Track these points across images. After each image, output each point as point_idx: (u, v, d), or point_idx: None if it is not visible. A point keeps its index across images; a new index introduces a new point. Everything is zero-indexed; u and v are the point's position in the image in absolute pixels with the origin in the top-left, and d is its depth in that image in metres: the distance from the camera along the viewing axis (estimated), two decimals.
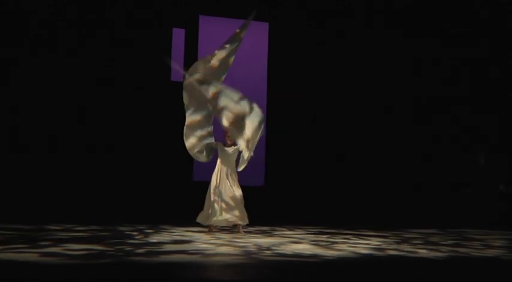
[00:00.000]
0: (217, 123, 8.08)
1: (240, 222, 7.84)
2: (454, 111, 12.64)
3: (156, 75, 11.41)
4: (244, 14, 10.60)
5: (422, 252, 6.08)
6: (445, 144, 12.60)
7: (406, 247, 6.53)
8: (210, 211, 7.79)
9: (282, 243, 6.54)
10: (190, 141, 8.05)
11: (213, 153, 8.18)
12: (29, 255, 4.95)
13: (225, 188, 7.86)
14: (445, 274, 4.81)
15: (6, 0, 10.56)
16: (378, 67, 12.44)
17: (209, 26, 11.81)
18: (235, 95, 7.72)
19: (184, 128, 8.03)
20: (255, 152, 7.81)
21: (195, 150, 8.09)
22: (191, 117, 8.04)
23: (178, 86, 11.51)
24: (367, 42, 12.45)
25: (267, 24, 12.24)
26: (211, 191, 7.87)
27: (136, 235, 7.07)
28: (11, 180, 10.35)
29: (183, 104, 8.08)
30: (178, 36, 11.68)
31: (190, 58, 11.68)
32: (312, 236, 7.73)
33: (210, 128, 8.16)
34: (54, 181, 10.60)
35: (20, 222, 8.26)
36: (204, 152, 8.13)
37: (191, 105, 8.05)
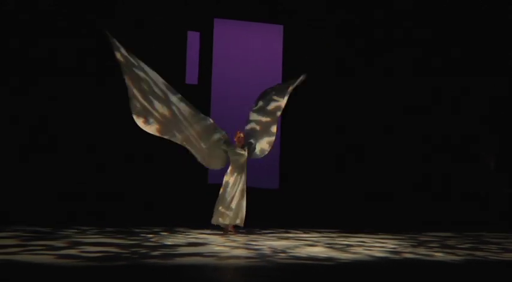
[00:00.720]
0: None
1: (237, 223, 8.05)
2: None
3: (171, 78, 11.44)
4: (258, 16, 10.63)
5: (439, 255, 6.03)
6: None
7: (422, 250, 6.48)
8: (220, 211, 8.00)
9: (296, 246, 6.52)
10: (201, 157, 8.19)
11: (226, 159, 8.27)
12: (45, 257, 4.98)
13: (232, 189, 8.06)
14: (462, 278, 4.76)
15: (6, 0, 10.64)
16: (395, 71, 12.38)
17: (224, 29, 11.84)
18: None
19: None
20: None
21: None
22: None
23: (193, 89, 11.60)
24: (385, 44, 12.39)
25: (282, 26, 12.24)
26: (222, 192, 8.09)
27: (151, 237, 7.08)
28: (29, 183, 10.44)
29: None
30: (193, 39, 11.72)
31: (205, 61, 11.74)
32: (327, 238, 7.69)
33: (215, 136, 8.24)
34: (67, 183, 10.67)
35: (37, 224, 8.32)
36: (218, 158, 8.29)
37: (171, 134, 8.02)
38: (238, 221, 8.02)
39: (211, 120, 8.23)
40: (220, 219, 8.03)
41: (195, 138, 8.03)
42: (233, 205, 8.00)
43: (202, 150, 8.12)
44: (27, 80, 10.63)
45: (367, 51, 12.33)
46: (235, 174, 8.12)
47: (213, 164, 8.36)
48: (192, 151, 8.07)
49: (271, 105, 8.38)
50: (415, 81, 12.47)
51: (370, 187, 11.97)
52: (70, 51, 10.83)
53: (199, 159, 8.18)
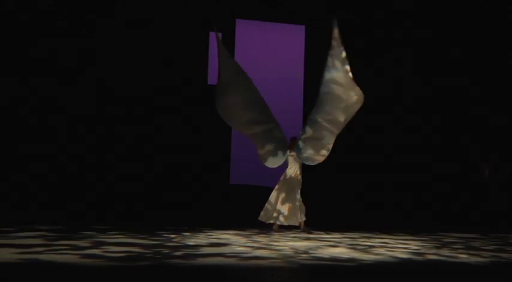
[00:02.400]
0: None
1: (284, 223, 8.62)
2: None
3: (194, 79, 11.52)
4: (280, 17, 10.61)
5: (463, 257, 5.96)
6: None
7: (445, 252, 6.41)
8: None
9: (319, 247, 6.49)
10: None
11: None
12: (69, 256, 5.03)
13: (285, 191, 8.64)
14: (487, 279, 4.70)
15: (6, 1, 10.73)
16: (414, 71, 12.30)
17: (246, 30, 11.86)
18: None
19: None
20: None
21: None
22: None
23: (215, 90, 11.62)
24: (385, 44, 12.31)
25: (304, 27, 12.23)
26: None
27: (174, 238, 7.12)
28: (55, 181, 10.59)
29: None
30: (216, 40, 11.74)
31: None
32: (349, 239, 7.65)
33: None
34: (90, 184, 10.78)
35: (60, 224, 8.43)
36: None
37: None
38: (303, 218, 8.68)
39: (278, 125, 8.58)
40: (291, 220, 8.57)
41: (262, 136, 8.49)
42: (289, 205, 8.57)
43: (264, 148, 8.54)
44: (26, 81, 10.76)
45: (367, 51, 12.25)
46: (288, 175, 8.71)
47: (270, 162, 8.68)
48: (257, 146, 8.54)
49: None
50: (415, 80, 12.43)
51: (391, 187, 11.91)
52: (70, 51, 10.93)
53: (261, 154, 8.59)
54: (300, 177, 8.79)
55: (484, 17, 12.51)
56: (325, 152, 8.45)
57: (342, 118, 8.15)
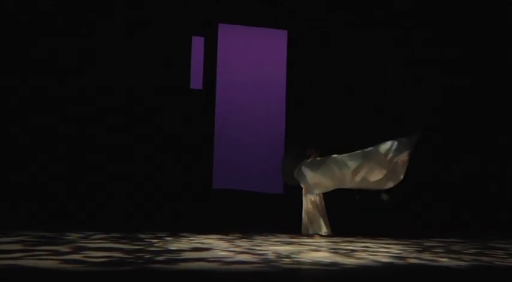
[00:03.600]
0: None
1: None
2: None
3: (176, 83, 11.48)
4: (263, 22, 10.63)
5: (444, 260, 6.00)
6: None
7: (427, 256, 6.44)
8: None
9: (301, 251, 6.50)
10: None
11: None
12: (50, 262, 4.97)
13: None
14: None
15: (6, 1, 10.66)
16: (405, 74, 12.40)
17: (228, 35, 11.86)
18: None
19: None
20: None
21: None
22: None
23: (198, 94, 11.63)
24: (393, 48, 12.40)
25: (286, 31, 12.27)
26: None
27: (156, 242, 7.07)
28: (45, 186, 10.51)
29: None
30: (198, 44, 11.76)
31: (210, 66, 11.77)
32: (331, 243, 7.67)
33: None
34: (70, 188, 10.70)
35: (41, 229, 8.33)
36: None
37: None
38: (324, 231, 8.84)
39: None
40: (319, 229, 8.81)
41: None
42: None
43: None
44: (26, 80, 10.67)
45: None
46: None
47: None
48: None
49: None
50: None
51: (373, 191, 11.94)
52: (70, 51, 10.87)
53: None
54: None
55: (484, 17, 12.64)
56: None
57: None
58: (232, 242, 7.57)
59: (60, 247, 6.16)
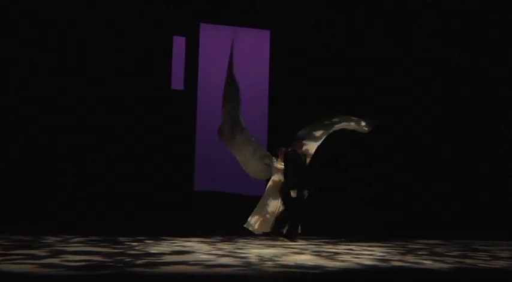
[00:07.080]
0: None
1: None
2: None
3: (157, 84, 11.35)
4: (245, 22, 10.57)
5: (428, 263, 5.97)
6: None
7: (410, 258, 6.41)
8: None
9: (284, 254, 6.43)
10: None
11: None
12: (27, 266, 4.85)
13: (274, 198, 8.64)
14: None
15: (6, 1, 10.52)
16: (388, 73, 12.41)
17: (210, 34, 11.76)
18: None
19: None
20: None
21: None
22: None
23: (179, 94, 11.53)
24: (374, 47, 12.41)
25: (269, 31, 12.20)
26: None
27: (136, 246, 6.97)
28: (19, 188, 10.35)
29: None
30: (179, 44, 11.63)
31: (191, 66, 11.66)
32: (314, 246, 7.62)
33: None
34: (48, 191, 10.55)
35: (18, 233, 8.18)
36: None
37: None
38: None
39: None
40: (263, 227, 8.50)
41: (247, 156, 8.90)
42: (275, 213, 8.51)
43: (251, 165, 8.93)
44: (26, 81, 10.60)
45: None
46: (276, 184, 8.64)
47: (259, 175, 9.11)
48: (242, 164, 8.95)
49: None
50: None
51: (354, 194, 11.95)
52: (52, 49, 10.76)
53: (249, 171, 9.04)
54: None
55: (484, 17, 12.68)
56: None
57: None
58: (214, 245, 7.48)
59: (37, 251, 6.03)
